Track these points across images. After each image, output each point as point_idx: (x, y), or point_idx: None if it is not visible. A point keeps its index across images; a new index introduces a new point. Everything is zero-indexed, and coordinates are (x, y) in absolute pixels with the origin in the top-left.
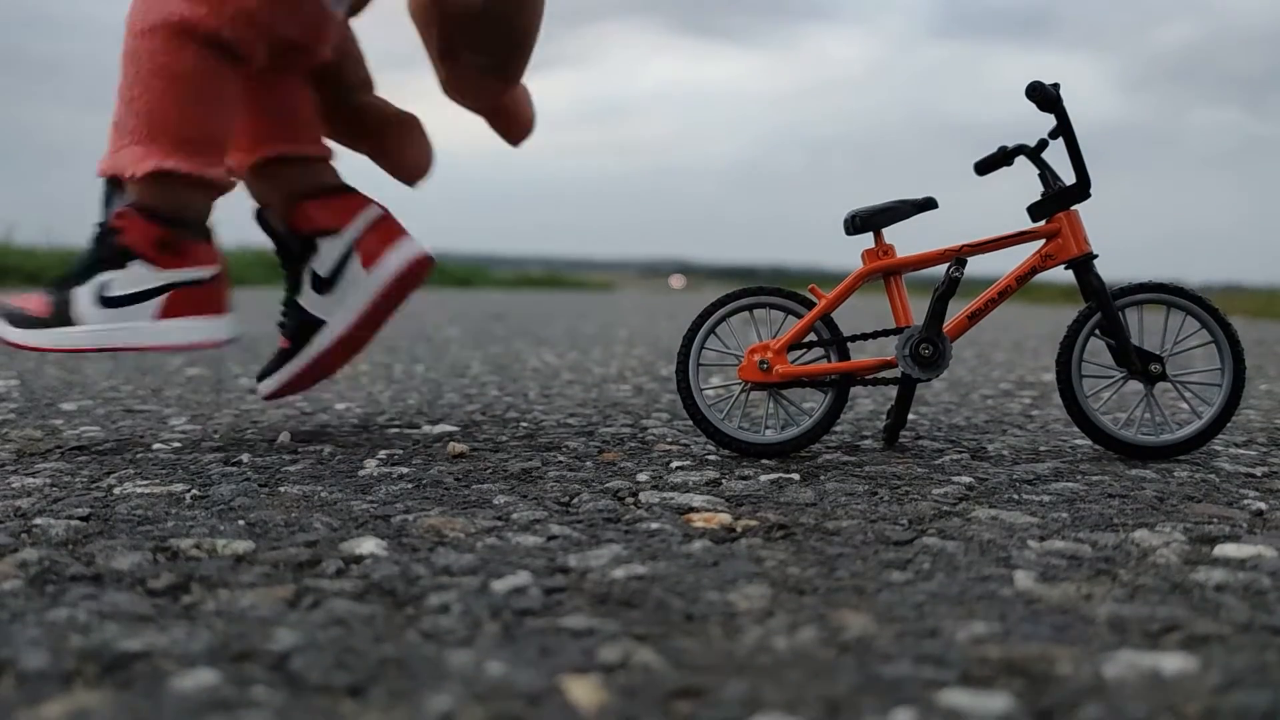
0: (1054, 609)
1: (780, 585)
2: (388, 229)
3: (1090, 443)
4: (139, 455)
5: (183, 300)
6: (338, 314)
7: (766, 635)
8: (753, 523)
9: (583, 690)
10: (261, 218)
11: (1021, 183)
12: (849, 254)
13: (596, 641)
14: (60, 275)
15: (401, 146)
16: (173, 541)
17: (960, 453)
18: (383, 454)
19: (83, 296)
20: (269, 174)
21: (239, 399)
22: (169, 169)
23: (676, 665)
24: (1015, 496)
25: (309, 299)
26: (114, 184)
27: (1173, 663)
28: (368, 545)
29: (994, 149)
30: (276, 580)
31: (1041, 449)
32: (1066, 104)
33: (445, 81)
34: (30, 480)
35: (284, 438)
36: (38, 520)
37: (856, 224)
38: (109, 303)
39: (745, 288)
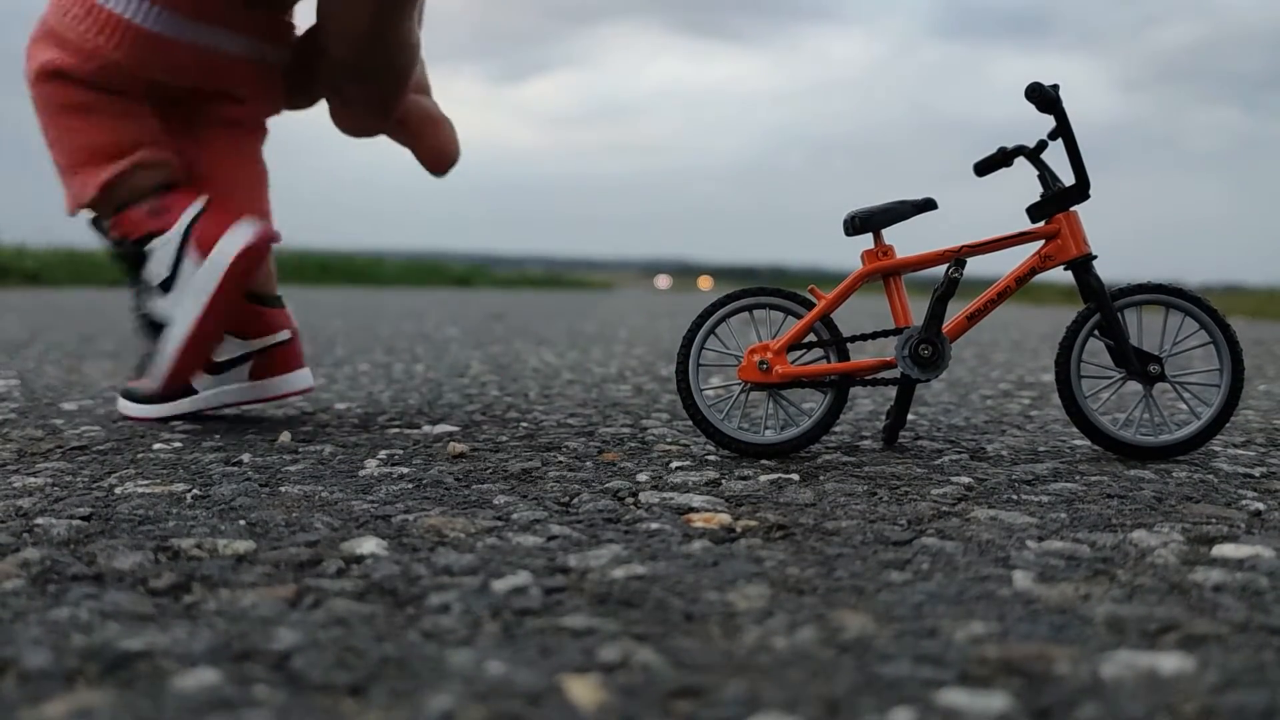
0: (1052, 609)
1: (780, 585)
2: (219, 216)
3: (1089, 443)
4: (140, 455)
5: (266, 362)
6: (181, 310)
7: (766, 635)
8: (752, 523)
9: (583, 690)
10: (96, 223)
11: (1021, 183)
12: (849, 254)
13: (596, 641)
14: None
15: (433, 138)
16: (174, 541)
17: (959, 453)
18: (383, 454)
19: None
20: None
21: None
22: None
23: (676, 665)
24: (1014, 497)
25: (155, 304)
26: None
27: (1170, 662)
28: (368, 545)
29: (993, 149)
30: (277, 580)
31: (1040, 449)
32: (1066, 105)
33: (332, 113)
34: (31, 480)
35: (284, 437)
36: (39, 520)
37: (856, 224)
38: (215, 370)
39: (745, 288)
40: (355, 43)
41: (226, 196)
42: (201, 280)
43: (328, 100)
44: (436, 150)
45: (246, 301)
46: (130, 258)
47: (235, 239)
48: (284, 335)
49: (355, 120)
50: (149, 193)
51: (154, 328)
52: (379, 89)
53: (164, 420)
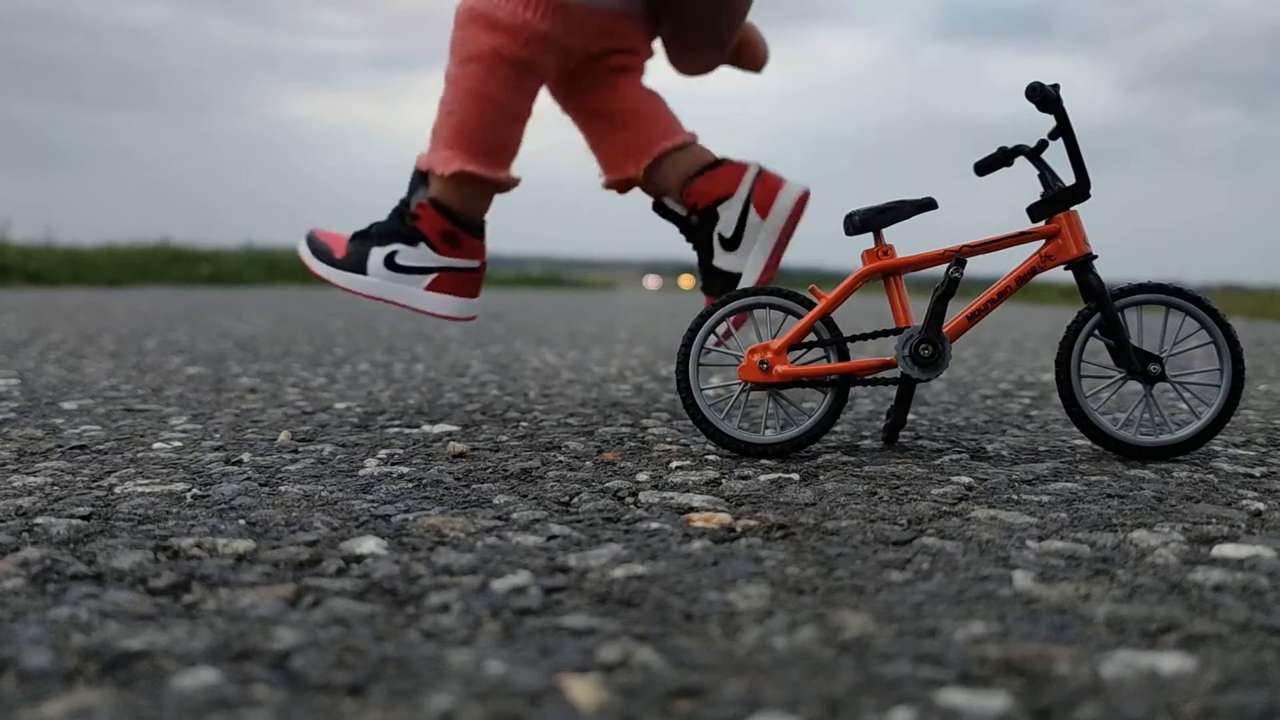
0: (1052, 609)
1: (780, 585)
2: (769, 180)
3: (1089, 443)
4: (140, 454)
5: (447, 281)
6: (750, 261)
7: (766, 635)
8: (752, 522)
9: (582, 689)
10: (660, 206)
11: (1021, 183)
12: (849, 254)
13: (596, 641)
14: (363, 230)
15: (751, 56)
16: (173, 540)
17: (960, 453)
18: (383, 453)
19: (376, 255)
20: (658, 171)
21: (239, 398)
22: (469, 171)
23: (676, 665)
24: (1014, 496)
25: (721, 259)
26: (422, 176)
27: (1170, 662)
28: (368, 544)
29: (994, 149)
30: (277, 579)
31: (1041, 449)
32: (1066, 105)
33: (676, 63)
34: (31, 479)
35: (284, 437)
36: (39, 519)
37: (856, 224)
38: (394, 267)
39: (745, 287)
40: None
41: (642, 122)
42: (765, 235)
43: (671, 49)
44: (758, 65)
45: (447, 220)
46: (701, 225)
47: (788, 196)
48: (473, 264)
49: (698, 62)
50: (699, 169)
51: (724, 279)
52: (727, 30)
53: (328, 283)
